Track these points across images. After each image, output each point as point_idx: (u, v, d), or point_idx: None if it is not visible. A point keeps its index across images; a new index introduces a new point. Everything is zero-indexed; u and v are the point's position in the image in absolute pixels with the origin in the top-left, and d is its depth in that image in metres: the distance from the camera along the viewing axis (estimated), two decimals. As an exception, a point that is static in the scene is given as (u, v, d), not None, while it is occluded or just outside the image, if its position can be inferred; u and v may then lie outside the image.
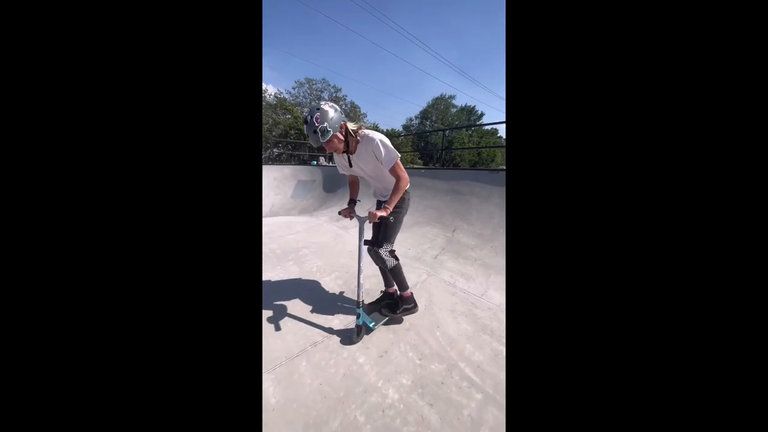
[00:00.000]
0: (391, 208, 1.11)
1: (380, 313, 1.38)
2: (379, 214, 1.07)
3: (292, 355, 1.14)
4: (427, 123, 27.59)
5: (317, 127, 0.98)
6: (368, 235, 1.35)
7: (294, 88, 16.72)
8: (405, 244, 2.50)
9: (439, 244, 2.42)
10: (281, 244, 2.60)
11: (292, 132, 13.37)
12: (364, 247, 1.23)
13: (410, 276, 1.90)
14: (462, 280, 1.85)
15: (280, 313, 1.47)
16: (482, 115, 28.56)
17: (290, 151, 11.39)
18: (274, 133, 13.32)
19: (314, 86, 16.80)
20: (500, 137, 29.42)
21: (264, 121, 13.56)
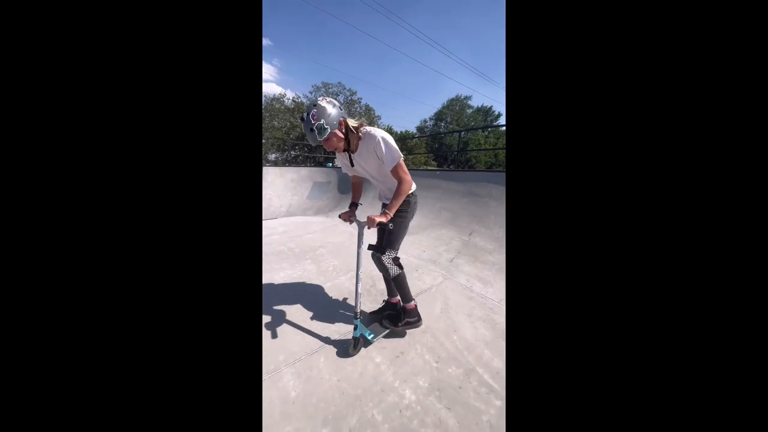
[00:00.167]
0: (391, 214, 1.03)
1: (381, 324, 1.29)
2: (378, 219, 1.00)
3: (311, 350, 1.18)
4: (442, 124, 27.29)
5: (314, 124, 0.91)
6: (373, 239, 1.29)
7: (311, 93, 17.21)
8: (419, 246, 2.49)
9: (454, 247, 2.39)
10: (299, 243, 2.69)
11: (309, 134, 13.70)
12: (363, 255, 1.16)
13: (425, 278, 1.90)
14: (479, 285, 1.81)
15: (299, 310, 1.52)
16: (499, 115, 27.77)
17: (306, 153, 11.71)
18: (291, 135, 13.77)
19: (330, 90, 17.21)
20: (518, 138, 28.16)
21: (282, 124, 14.08)
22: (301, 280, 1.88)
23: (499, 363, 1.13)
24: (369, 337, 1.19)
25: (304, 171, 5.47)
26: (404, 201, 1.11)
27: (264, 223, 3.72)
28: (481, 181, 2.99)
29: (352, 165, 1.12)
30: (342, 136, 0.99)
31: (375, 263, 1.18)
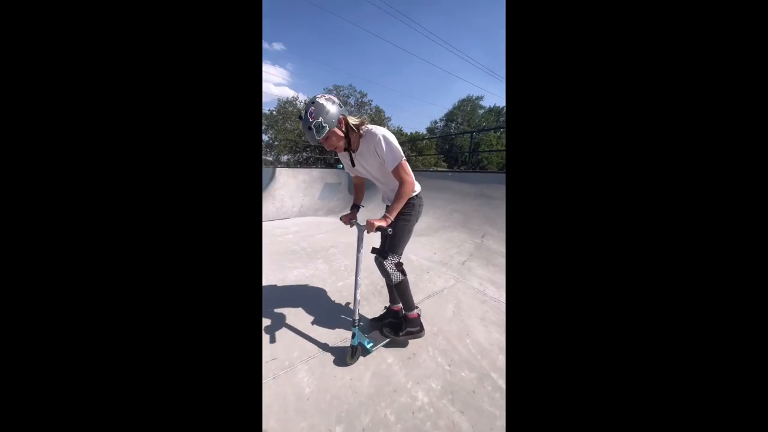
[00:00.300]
0: (392, 218, 0.98)
1: (381, 332, 1.23)
2: (378, 224, 0.95)
3: (324, 348, 1.20)
4: (452, 125, 27.02)
5: (311, 122, 0.87)
6: (377, 242, 1.26)
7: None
8: (431, 248, 2.47)
9: (466, 250, 2.35)
10: (311, 243, 2.74)
11: (320, 136, 13.99)
12: (362, 259, 1.11)
13: (437, 281, 1.88)
14: (493, 289, 1.78)
15: (312, 307, 1.55)
16: (512, 115, 27.05)
17: (317, 155, 11.93)
18: (303, 137, 14.08)
19: (341, 92, 17.46)
20: (532, 139, 27.45)
21: (294, 126, 14.42)
22: (314, 279, 1.92)
23: (514, 369, 1.10)
24: (368, 346, 1.13)
25: (315, 172, 5.58)
26: (408, 204, 1.07)
27: (277, 223, 3.82)
28: (494, 182, 2.93)
29: (353, 165, 1.07)
30: (342, 134, 0.95)
31: (378, 268, 1.13)
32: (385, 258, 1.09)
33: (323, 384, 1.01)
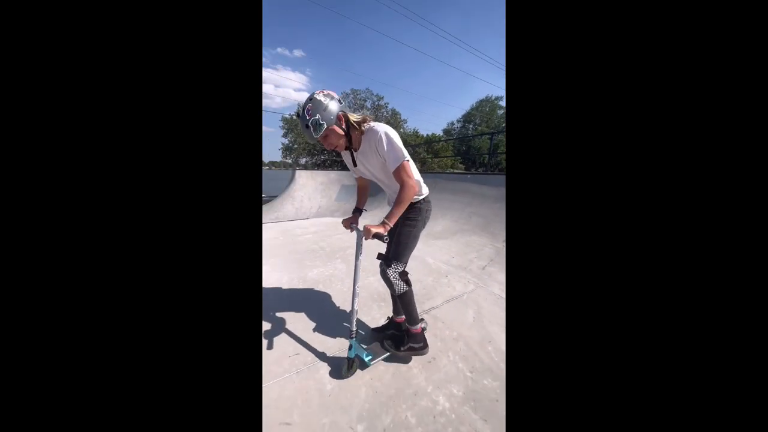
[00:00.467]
0: (390, 224, 0.90)
1: (382, 345, 1.13)
2: (374, 230, 0.87)
3: (344, 347, 1.23)
4: (470, 126, 26.45)
5: (309, 120, 0.82)
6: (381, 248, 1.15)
7: (340, 101, 17.95)
8: (448, 252, 2.44)
9: (486, 255, 2.29)
10: (330, 243, 2.81)
11: (337, 139, 14.30)
12: (360, 266, 1.03)
13: (456, 285, 1.85)
14: (514, 295, 1.71)
15: (331, 306, 1.58)
16: (534, 116, 25.97)
17: (334, 158, 12.19)
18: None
19: (358, 96, 17.76)
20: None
21: (313, 130, 14.79)
22: (333, 278, 1.96)
23: (540, 380, 1.05)
24: (366, 359, 1.05)
25: (333, 174, 5.71)
26: (414, 208, 1.01)
27: (297, 223, 3.95)
28: (515, 185, 2.83)
29: (355, 164, 1.00)
30: (342, 132, 0.89)
31: (381, 276, 1.04)
32: (389, 266, 1.01)
33: (343, 382, 1.03)
